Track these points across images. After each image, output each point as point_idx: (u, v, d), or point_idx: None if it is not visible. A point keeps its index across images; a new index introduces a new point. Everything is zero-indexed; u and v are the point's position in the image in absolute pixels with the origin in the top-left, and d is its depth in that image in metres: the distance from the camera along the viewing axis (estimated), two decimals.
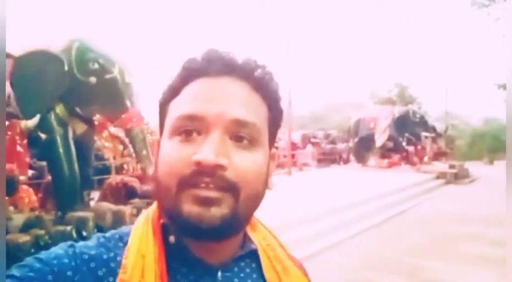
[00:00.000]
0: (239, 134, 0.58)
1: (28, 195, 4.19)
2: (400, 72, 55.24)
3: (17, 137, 4.47)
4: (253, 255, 0.67)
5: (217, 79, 0.60)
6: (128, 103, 5.38)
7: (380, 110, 20.24)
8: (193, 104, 0.58)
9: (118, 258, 0.58)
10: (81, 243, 0.60)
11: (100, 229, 4.55)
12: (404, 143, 18.77)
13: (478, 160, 25.37)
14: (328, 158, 20.61)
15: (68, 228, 4.35)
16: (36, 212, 4.71)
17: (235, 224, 0.58)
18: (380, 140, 18.64)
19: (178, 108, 0.59)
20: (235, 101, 0.59)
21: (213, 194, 0.55)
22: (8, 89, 5.50)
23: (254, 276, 0.65)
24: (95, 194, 6.66)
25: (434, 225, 8.40)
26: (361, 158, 19.28)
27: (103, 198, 6.00)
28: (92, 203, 6.19)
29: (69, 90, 5.27)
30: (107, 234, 0.63)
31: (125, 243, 0.60)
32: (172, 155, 0.57)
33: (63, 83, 5.23)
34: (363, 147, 19.27)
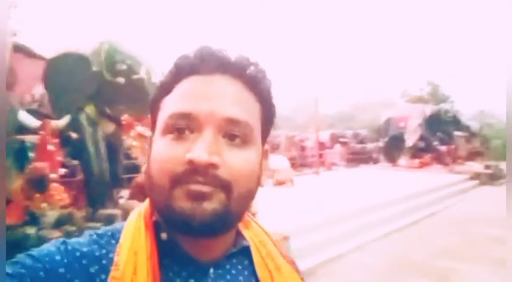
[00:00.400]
0: (232, 132, 0.58)
1: (59, 193, 4.33)
2: (432, 71, 53.78)
3: (49, 137, 4.64)
4: (246, 252, 0.67)
5: (209, 77, 0.59)
6: None
7: (411, 109, 19.74)
8: (185, 102, 0.58)
9: (110, 255, 0.58)
10: (73, 240, 0.60)
11: None
12: (436, 143, 18.25)
13: None
14: (357, 158, 20.29)
15: (98, 225, 4.46)
16: (69, 209, 4.86)
17: (227, 221, 0.58)
18: (411, 139, 18.20)
19: (171, 106, 0.59)
20: (227, 99, 0.58)
21: (205, 188, 0.55)
22: (42, 89, 5.72)
23: (246, 273, 0.65)
24: (125, 192, 6.82)
25: (466, 227, 8.13)
26: (391, 158, 18.86)
27: (132, 196, 6.12)
28: (121, 201, 6.34)
29: (98, 90, 5.43)
30: (99, 231, 0.63)
31: (117, 240, 0.60)
32: (164, 153, 0.57)
33: (92, 83, 5.39)
34: (393, 147, 18.83)
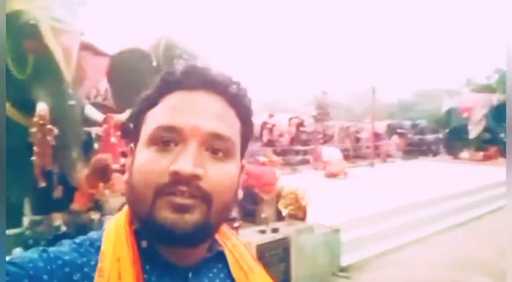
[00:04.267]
0: (215, 146, 0.61)
1: (120, 182, 4.62)
2: (501, 57, 50.19)
3: (111, 129, 4.95)
4: (220, 256, 0.71)
5: (194, 92, 0.63)
6: None
7: (476, 99, 18.69)
8: (171, 116, 0.61)
9: (91, 263, 0.60)
10: (53, 248, 0.61)
11: None
12: (502, 135, 17.14)
13: None
14: (415, 150, 19.54)
15: None
16: None
17: (207, 231, 0.62)
18: (474, 131, 17.26)
19: (157, 119, 0.62)
20: (212, 114, 0.62)
21: (187, 201, 0.58)
22: (106, 84, 6.08)
23: (221, 275, 0.70)
24: None
25: None
26: (453, 150, 18.02)
27: None
28: None
29: None
30: (77, 240, 0.64)
31: (96, 249, 0.62)
32: (149, 164, 0.59)
33: (152, 78, 5.64)
34: (455, 139, 17.99)
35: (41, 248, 0.60)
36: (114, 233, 0.63)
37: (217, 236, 0.72)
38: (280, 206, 5.48)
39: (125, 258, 0.60)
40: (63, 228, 4.15)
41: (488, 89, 25.47)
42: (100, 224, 4.31)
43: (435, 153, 19.83)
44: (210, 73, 0.64)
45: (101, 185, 4.28)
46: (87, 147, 4.78)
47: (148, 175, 0.59)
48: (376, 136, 17.11)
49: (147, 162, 0.60)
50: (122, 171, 5.62)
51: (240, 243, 0.76)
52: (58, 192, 4.32)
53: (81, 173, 4.27)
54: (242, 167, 0.68)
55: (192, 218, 0.58)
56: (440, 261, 5.64)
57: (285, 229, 4.87)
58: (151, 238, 0.63)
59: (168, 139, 0.60)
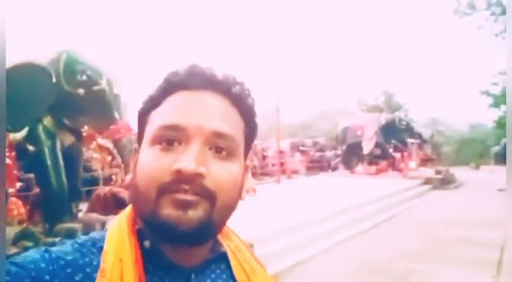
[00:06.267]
0: (218, 145, 0.61)
1: (17, 207, 4.17)
2: (387, 80, 56.18)
3: (6, 150, 4.48)
4: (222, 257, 0.71)
5: (198, 92, 0.63)
6: (116, 114, 5.41)
7: (367, 118, 20.54)
8: (175, 115, 0.61)
9: (94, 263, 0.59)
10: (55, 248, 0.60)
11: None
12: (391, 150, 19.04)
13: (465, 165, 25.74)
14: (316, 166, 20.74)
15: (57, 239, 4.34)
16: (25, 225, 4.69)
17: (210, 230, 0.61)
18: (367, 147, 18.87)
19: (160, 118, 0.62)
20: (215, 114, 0.62)
21: (190, 197, 0.57)
22: None
23: (224, 276, 0.69)
24: (84, 206, 6.64)
25: (422, 230, 8.50)
26: (349, 165, 19.47)
27: (91, 209, 5.97)
28: (80, 215, 6.18)
29: (57, 102, 5.30)
30: (79, 240, 0.63)
31: (98, 249, 0.61)
32: (152, 163, 0.59)
33: (51, 95, 5.25)
34: (351, 155, 19.48)
35: (43, 247, 0.59)
36: (117, 233, 0.62)
37: (219, 237, 0.71)
38: None
39: (127, 258, 0.59)
40: None
41: (377, 109, 28.11)
42: None
43: (334, 169, 21.23)
44: (213, 73, 0.64)
45: None
46: None
47: (151, 174, 0.59)
48: (281, 154, 17.80)
49: (151, 161, 0.60)
50: (19, 196, 5.11)
51: (242, 244, 0.75)
52: None
53: None
54: (246, 168, 0.68)
55: (196, 214, 0.58)
56: (345, 268, 6.00)
57: None
58: (155, 237, 0.62)
59: (171, 138, 0.60)
